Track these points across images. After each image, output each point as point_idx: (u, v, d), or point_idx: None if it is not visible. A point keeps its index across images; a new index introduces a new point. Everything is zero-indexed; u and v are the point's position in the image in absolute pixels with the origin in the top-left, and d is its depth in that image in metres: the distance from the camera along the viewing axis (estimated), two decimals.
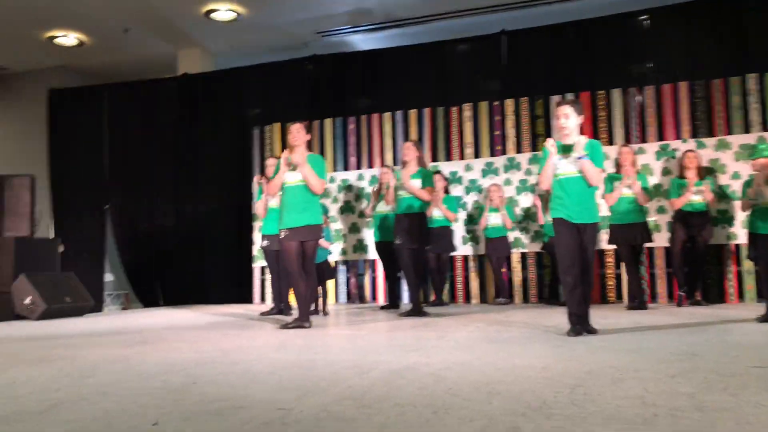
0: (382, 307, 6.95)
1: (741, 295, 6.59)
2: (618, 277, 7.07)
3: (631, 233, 6.01)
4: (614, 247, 6.46)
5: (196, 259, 9.16)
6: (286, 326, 4.87)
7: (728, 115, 6.88)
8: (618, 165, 6.23)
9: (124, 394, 2.51)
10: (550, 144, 4.07)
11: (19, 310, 6.57)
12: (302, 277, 4.92)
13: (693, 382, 2.41)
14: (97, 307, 8.31)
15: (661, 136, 7.12)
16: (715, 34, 7.27)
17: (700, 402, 2.09)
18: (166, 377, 2.86)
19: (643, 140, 7.16)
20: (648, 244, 6.36)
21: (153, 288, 9.34)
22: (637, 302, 6.01)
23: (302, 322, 4.86)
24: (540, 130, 7.66)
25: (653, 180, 6.85)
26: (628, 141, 7.12)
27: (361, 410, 2.11)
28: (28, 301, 6.54)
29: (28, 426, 2.04)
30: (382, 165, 7.89)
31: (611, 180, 6.10)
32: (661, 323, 4.70)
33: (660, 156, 6.95)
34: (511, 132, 7.74)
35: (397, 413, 2.05)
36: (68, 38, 9.29)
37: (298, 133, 5.08)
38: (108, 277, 9.87)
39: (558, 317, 5.22)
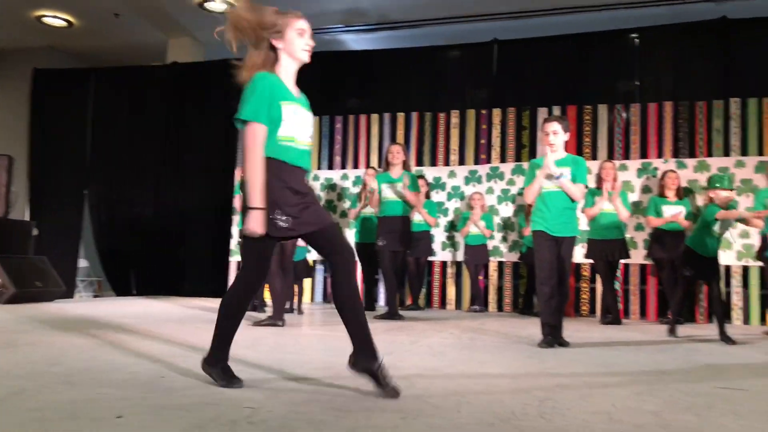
0: None
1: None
2: (593, 291, 7.12)
3: (608, 249, 6.06)
4: (591, 261, 6.51)
5: (173, 249, 9.06)
6: (259, 323, 4.84)
7: (709, 137, 6.97)
8: (600, 180, 6.28)
9: (90, 384, 2.47)
10: (547, 159, 4.07)
11: None
12: (279, 274, 4.89)
13: (659, 400, 2.43)
14: (68, 293, 8.20)
15: (643, 154, 7.20)
16: (702, 58, 7.37)
17: (665, 420, 2.11)
18: (135, 369, 2.83)
19: (626, 157, 7.22)
20: (624, 261, 6.42)
21: (127, 276, 9.23)
22: (611, 317, 6.06)
23: (276, 320, 4.83)
24: (525, 141, 7.70)
25: (633, 197, 6.92)
26: (611, 157, 7.18)
27: (330, 412, 2.10)
28: None
29: None
30: (367, 166, 7.88)
31: (592, 195, 6.15)
32: (633, 339, 4.75)
33: (641, 174, 7.02)
34: (496, 141, 7.77)
35: (366, 417, 2.05)
36: (57, 19, 9.16)
37: None
38: (82, 263, 9.73)
39: (531, 328, 5.25)
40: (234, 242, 8.17)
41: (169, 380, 2.58)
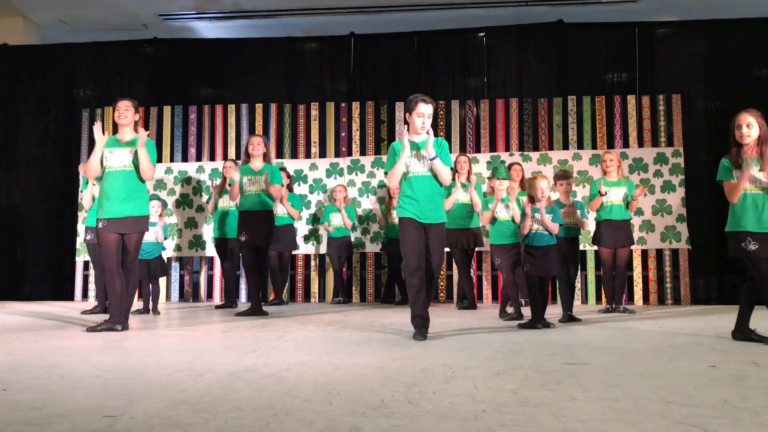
0: (218, 307, 6.73)
1: (554, 297, 7.22)
2: (449, 279, 7.44)
3: (464, 237, 6.35)
4: (447, 249, 6.79)
5: (8, 250, 8.29)
6: (94, 329, 4.45)
7: (550, 132, 7.53)
8: (455, 172, 6.55)
9: None
10: (406, 139, 4.04)
11: None
12: (120, 273, 4.50)
13: (516, 379, 2.60)
14: None
15: (492, 148, 7.62)
16: (541, 57, 7.95)
17: (522, 397, 2.27)
18: None
19: (477, 150, 7.61)
20: (479, 248, 6.77)
21: None
22: (467, 302, 6.38)
23: (114, 324, 4.45)
24: (384, 134, 7.86)
25: (484, 188, 7.30)
26: (463, 150, 7.53)
27: (197, 415, 2.03)
28: None
29: None
30: (225, 158, 7.65)
31: (448, 186, 6.40)
32: (488, 323, 5.03)
33: (490, 166, 7.43)
34: (356, 134, 7.86)
35: (236, 417, 2.00)
36: None
37: (126, 110, 4.63)
38: None
39: (393, 316, 5.40)
40: (80, 240, 7.60)
41: (13, 393, 2.35)
